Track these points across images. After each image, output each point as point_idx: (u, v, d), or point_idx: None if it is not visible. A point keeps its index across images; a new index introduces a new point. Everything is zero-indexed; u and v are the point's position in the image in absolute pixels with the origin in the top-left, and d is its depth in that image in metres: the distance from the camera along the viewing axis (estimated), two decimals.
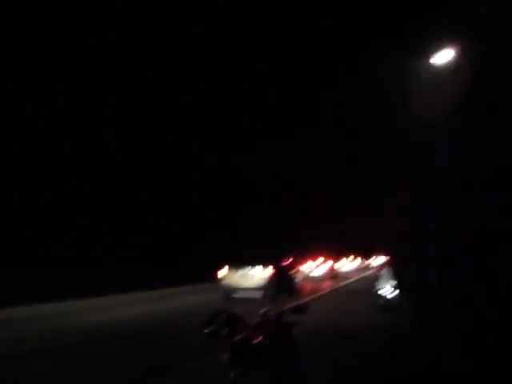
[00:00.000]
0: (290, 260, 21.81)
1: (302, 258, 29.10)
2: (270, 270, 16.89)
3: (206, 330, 3.85)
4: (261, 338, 3.98)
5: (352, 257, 46.20)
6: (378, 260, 44.85)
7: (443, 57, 10.04)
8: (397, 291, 12.71)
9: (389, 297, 13.01)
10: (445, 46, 9.99)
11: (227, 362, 3.78)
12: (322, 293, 20.76)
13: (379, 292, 13.28)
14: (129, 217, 23.43)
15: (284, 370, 4.06)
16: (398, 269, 12.99)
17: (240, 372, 3.74)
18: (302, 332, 6.24)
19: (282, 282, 17.40)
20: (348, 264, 43.64)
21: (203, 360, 7.24)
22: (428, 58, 10.28)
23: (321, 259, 31.86)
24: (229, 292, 16.38)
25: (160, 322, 11.64)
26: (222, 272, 17.01)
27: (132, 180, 24.38)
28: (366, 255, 50.40)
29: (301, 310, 4.45)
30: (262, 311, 4.33)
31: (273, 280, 16.75)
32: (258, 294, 16.04)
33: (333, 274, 32.24)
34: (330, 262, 33.48)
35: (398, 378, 6.68)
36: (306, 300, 16.80)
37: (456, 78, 9.73)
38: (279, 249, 21.26)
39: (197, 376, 6.74)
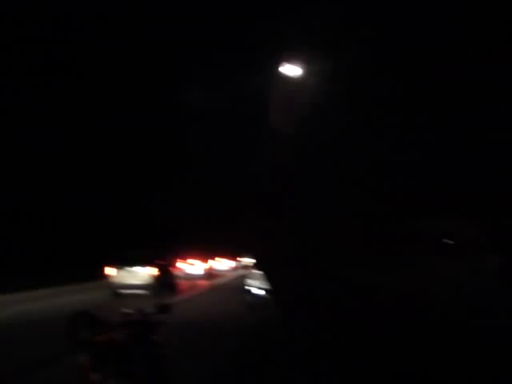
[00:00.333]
0: (172, 259, 23.55)
1: (182, 257, 30.90)
2: (154, 269, 18.52)
3: (65, 333, 3.67)
4: (124, 339, 3.83)
5: (228, 257, 48.74)
6: (250, 260, 47.67)
7: (294, 70, 9.91)
8: (264, 289, 13.86)
9: (258, 294, 14.11)
10: (295, 61, 9.88)
11: (87, 366, 3.58)
12: (200, 290, 22.65)
13: (250, 289, 14.45)
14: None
15: (147, 372, 3.91)
16: (264, 269, 14.00)
17: (101, 376, 3.54)
18: (175, 329, 7.03)
19: (165, 280, 19.11)
20: (224, 263, 46.17)
21: (61, 365, 6.89)
22: (279, 72, 10.13)
23: (199, 259, 33.77)
24: (116, 289, 17.76)
25: (26, 324, 11.38)
26: (110, 270, 18.28)
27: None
28: (241, 255, 53.14)
29: (165, 309, 4.38)
30: (125, 311, 4.19)
31: (156, 278, 18.40)
32: (143, 291, 17.63)
33: (210, 273, 34.33)
34: (207, 262, 35.66)
35: (265, 370, 7.04)
36: (185, 297, 18.59)
37: (306, 92, 9.98)
38: (162, 249, 22.91)
39: (53, 383, 6.46)
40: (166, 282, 19.29)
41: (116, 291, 17.70)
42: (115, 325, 3.95)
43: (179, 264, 30.17)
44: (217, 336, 9.92)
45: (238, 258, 54.96)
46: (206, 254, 36.04)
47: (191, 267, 32.31)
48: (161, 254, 20.70)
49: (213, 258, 41.23)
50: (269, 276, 12.95)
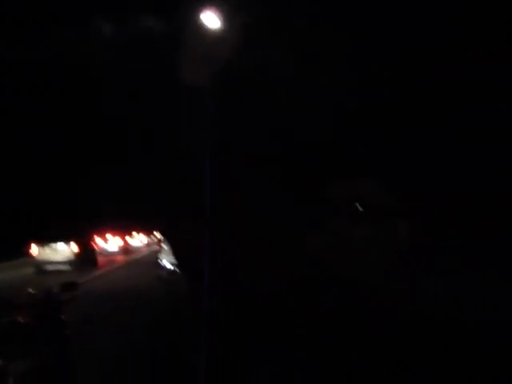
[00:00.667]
0: (91, 236, 25.26)
1: (100, 234, 32.35)
2: (75, 245, 20.25)
3: None
4: (29, 319, 3.65)
5: (144, 232, 50.02)
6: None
7: (213, 20, 9.04)
8: (172, 264, 14.53)
9: (167, 268, 14.90)
10: (215, 10, 8.99)
11: None
12: (117, 265, 24.28)
13: (161, 264, 15.37)
14: None
15: (53, 353, 3.76)
16: (172, 244, 14.19)
17: (3, 361, 3.28)
18: (92, 304, 8.34)
19: (85, 256, 20.91)
20: (140, 239, 47.66)
21: None
22: (195, 21, 9.19)
23: (116, 235, 35.20)
24: (40, 266, 19.26)
25: None
26: (33, 247, 19.87)
27: None
28: (154, 231, 54.18)
29: (71, 287, 4.24)
30: (30, 291, 4.05)
31: (78, 254, 20.20)
32: (66, 267, 19.38)
33: (126, 248, 35.85)
34: (124, 238, 37.35)
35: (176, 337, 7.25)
36: (102, 272, 20.10)
37: (224, 45, 9.11)
38: (82, 226, 24.38)
39: None
40: (87, 258, 21.01)
41: (39, 268, 19.23)
42: (20, 305, 3.80)
43: (97, 240, 31.70)
44: (132, 310, 10.44)
45: (154, 233, 55.91)
46: (122, 230, 37.42)
47: (108, 243, 33.67)
48: (81, 231, 22.31)
49: (129, 234, 42.73)
50: (174, 250, 13.49)
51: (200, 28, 8.81)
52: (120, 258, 29.18)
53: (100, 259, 25.05)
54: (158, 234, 51.10)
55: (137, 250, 39.70)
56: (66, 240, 20.19)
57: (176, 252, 13.08)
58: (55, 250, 19.88)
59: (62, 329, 4.04)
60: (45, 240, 20.04)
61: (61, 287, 4.21)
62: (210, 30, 8.82)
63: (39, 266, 19.39)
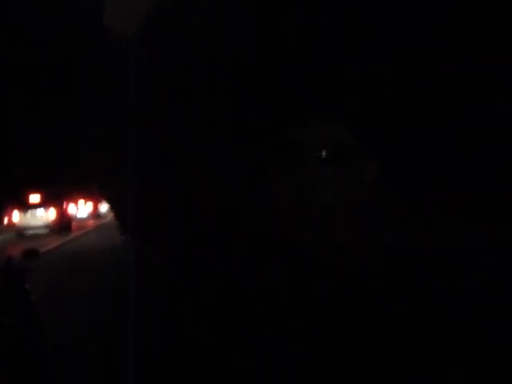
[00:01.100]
0: (65, 203, 27.68)
1: (73, 201, 34.27)
2: (52, 211, 22.82)
3: None
4: None
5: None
6: None
7: None
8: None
9: None
10: None
11: None
12: (87, 229, 26.42)
13: None
14: None
15: (17, 320, 3.71)
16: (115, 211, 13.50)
17: None
18: (64, 268, 9.25)
19: (62, 221, 23.49)
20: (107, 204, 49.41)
21: None
22: None
23: (87, 200, 36.86)
24: (20, 231, 21.73)
25: None
26: (14, 214, 22.33)
27: None
28: None
29: (32, 254, 4.16)
30: None
31: (55, 219, 22.77)
32: (44, 231, 21.90)
33: (95, 214, 37.76)
34: (94, 204, 38.67)
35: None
36: (75, 235, 22.08)
37: None
38: (58, 192, 25.95)
39: None
40: (63, 223, 23.56)
41: (20, 232, 21.70)
42: None
43: (70, 207, 33.78)
44: (100, 272, 10.84)
45: None
46: (93, 196, 39.17)
47: (79, 209, 35.57)
48: (57, 197, 24.62)
49: (99, 200, 44.43)
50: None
51: None
52: (90, 223, 31.18)
53: (73, 224, 27.11)
54: None
55: (105, 214, 41.01)
56: (44, 206, 22.65)
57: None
58: (35, 216, 22.38)
59: (25, 296, 4.01)
60: (25, 206, 22.46)
61: (22, 255, 4.17)
62: None
63: (20, 231, 21.82)
